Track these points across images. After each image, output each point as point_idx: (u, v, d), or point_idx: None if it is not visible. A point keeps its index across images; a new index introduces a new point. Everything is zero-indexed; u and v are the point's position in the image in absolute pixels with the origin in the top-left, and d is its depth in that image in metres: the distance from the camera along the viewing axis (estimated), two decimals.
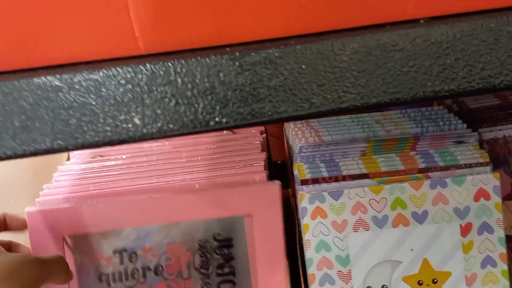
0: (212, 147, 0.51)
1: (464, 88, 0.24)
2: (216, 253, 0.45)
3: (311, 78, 0.24)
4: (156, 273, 0.44)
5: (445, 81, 0.24)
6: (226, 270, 0.45)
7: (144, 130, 0.25)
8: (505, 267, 0.41)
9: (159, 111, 0.25)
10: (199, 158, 0.49)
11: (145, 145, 0.53)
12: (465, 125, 0.46)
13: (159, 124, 0.25)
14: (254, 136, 0.52)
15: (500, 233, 0.41)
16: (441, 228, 0.41)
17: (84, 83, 0.24)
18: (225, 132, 0.54)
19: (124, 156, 0.50)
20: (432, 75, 0.24)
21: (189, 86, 0.24)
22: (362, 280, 0.42)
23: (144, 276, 0.44)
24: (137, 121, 0.25)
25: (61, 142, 0.25)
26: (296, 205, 0.46)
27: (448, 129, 0.46)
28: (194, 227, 0.44)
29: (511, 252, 0.44)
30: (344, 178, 0.43)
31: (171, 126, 0.25)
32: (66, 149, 0.25)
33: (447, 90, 0.24)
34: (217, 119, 0.25)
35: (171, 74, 0.24)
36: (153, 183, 0.46)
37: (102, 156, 0.50)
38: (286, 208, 0.53)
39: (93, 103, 0.24)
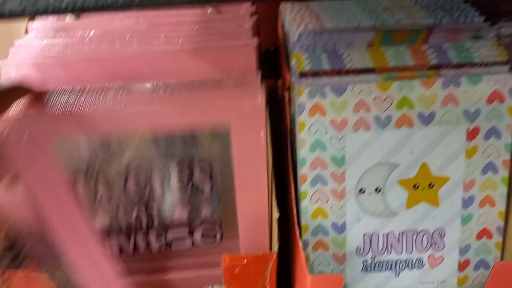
0: (195, 28, 0.44)
1: None
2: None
3: None
4: None
5: None
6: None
7: None
8: (506, 174, 0.39)
9: None
10: (180, 40, 0.43)
11: (116, 21, 0.46)
12: (482, 18, 0.41)
13: None
14: (243, 17, 0.46)
15: (507, 139, 0.38)
16: (447, 131, 0.38)
17: None
18: (209, 11, 0.47)
19: (92, 33, 0.43)
20: None
21: None
22: (356, 182, 0.39)
23: None
24: None
25: (14, 5, 0.18)
26: (289, 98, 0.41)
27: (464, 22, 0.41)
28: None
29: None
30: (347, 72, 0.38)
31: None
32: (21, 13, 0.18)
33: None
34: None
35: None
36: None
37: (66, 31, 0.43)
38: (273, 101, 0.48)
39: None
